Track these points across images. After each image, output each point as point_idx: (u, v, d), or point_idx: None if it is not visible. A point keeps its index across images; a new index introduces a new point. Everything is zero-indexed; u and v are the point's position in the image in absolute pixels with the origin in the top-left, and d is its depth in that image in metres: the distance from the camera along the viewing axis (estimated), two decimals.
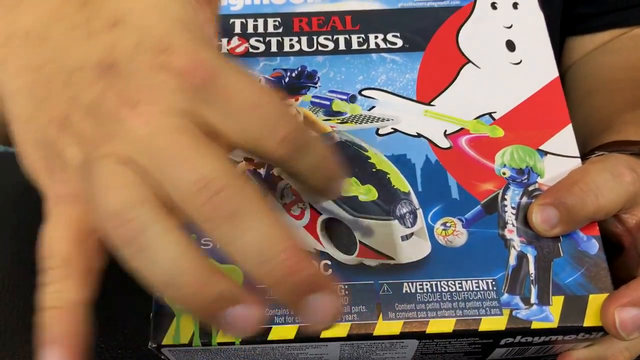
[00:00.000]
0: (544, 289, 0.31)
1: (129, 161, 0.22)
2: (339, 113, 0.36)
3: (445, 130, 0.35)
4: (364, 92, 0.36)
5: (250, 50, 0.38)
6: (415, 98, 0.36)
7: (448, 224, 0.33)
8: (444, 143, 0.35)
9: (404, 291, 0.31)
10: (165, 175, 0.22)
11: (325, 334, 0.30)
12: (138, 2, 0.24)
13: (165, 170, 0.22)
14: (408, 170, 0.34)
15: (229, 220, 0.21)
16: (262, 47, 0.38)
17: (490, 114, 0.36)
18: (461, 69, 0.37)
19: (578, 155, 0.34)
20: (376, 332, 0.30)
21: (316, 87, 0.37)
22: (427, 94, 0.36)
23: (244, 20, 0.39)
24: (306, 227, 0.33)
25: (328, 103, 0.36)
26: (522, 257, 0.32)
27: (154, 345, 0.30)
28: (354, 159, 0.34)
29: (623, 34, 0.52)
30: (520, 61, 0.37)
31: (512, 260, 0.32)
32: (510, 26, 0.38)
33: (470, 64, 0.37)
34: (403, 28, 0.38)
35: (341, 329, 0.30)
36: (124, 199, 0.21)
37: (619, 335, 0.29)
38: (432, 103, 0.36)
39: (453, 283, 0.31)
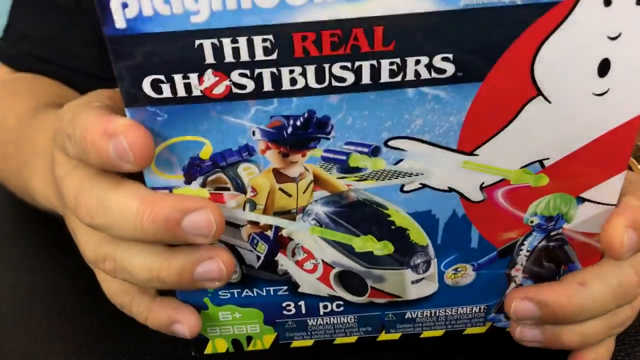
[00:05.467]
0: None
1: None
2: (357, 169, 0.29)
3: (483, 183, 0.30)
4: (390, 143, 0.28)
5: (234, 90, 0.26)
6: (455, 147, 0.28)
7: (459, 269, 0.33)
8: (477, 196, 0.30)
9: (406, 317, 0.35)
10: None
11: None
12: None
13: None
14: (430, 226, 0.31)
15: None
16: (250, 85, 0.25)
17: (541, 161, 0.29)
18: (525, 105, 0.27)
19: (615, 203, 0.31)
20: (380, 339, 0.36)
21: (329, 139, 0.27)
22: (471, 142, 0.28)
23: (216, 41, 0.24)
24: (319, 279, 0.33)
25: (344, 158, 0.28)
26: (519, 286, 0.34)
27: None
28: (371, 218, 0.30)
29: None
30: (607, 90, 0.27)
31: (509, 290, 0.34)
32: (618, 36, 0.25)
33: (539, 98, 0.27)
34: (461, 44, 0.25)
35: (350, 338, 0.36)
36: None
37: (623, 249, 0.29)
38: (474, 152, 0.28)
39: (450, 309, 0.35)
